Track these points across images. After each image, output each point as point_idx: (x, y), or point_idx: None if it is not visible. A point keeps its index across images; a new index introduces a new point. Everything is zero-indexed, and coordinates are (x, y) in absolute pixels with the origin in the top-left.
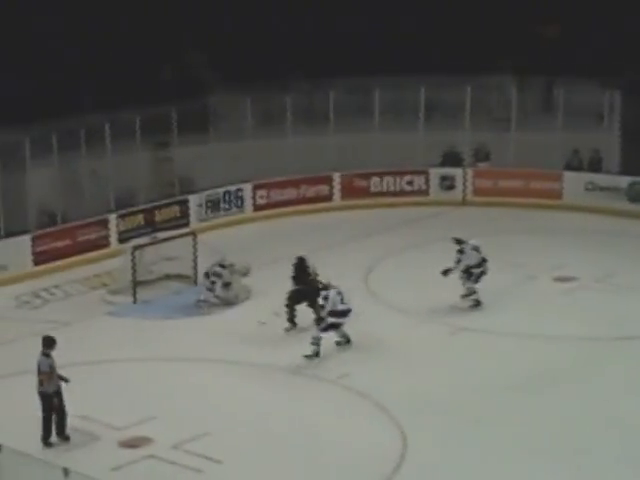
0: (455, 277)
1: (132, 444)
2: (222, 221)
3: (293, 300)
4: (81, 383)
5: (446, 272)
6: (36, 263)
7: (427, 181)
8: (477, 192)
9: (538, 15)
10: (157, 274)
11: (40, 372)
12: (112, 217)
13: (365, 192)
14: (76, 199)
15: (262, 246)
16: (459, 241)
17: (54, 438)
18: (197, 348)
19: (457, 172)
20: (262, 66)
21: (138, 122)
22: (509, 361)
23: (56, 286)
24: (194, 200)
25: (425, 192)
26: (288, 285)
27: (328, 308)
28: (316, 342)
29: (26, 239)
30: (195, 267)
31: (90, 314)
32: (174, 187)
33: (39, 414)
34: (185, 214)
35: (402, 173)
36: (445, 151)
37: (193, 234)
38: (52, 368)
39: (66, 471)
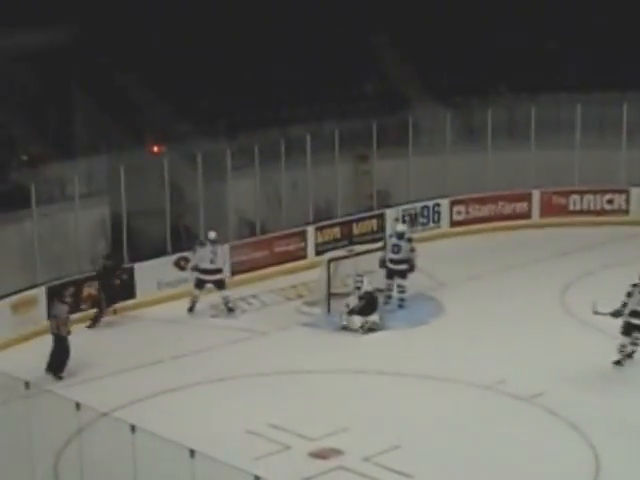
0: None
1: (323, 455)
2: (418, 236)
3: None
4: (274, 393)
5: None
6: (233, 272)
7: (628, 200)
8: None
9: None
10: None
11: (58, 318)
12: (310, 229)
13: (564, 210)
14: (275, 210)
15: (458, 262)
16: None
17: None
18: (390, 361)
19: None
20: (464, 80)
21: (338, 134)
22: None
23: (253, 296)
24: (391, 214)
25: (625, 211)
26: (482, 302)
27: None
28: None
29: (225, 248)
30: None
31: (286, 324)
32: (372, 200)
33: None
34: (382, 228)
35: (603, 192)
36: None
37: None
38: (67, 314)
39: (257, 479)
